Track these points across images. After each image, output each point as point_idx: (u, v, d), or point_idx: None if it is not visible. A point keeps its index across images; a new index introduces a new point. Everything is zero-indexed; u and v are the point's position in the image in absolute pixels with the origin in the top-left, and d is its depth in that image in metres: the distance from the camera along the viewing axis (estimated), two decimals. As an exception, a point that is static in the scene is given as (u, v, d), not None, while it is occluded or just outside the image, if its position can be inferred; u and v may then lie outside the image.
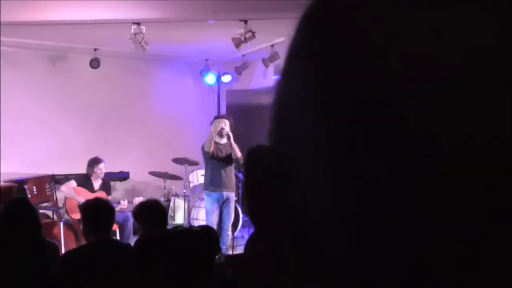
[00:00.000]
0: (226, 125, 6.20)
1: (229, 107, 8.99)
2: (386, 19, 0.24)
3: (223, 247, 5.90)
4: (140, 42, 6.06)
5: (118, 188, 7.76)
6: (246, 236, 6.92)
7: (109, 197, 6.48)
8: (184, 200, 7.36)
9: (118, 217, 5.64)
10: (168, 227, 4.58)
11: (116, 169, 7.63)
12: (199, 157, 6.76)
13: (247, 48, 6.76)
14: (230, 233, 6.47)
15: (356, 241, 0.25)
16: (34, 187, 6.58)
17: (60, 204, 6.81)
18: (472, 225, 0.22)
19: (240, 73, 8.31)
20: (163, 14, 5.74)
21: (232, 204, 6.44)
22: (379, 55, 0.24)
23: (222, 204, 6.32)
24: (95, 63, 7.78)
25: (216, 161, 6.22)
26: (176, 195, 7.63)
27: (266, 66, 7.51)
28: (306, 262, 0.28)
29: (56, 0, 5.58)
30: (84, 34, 6.78)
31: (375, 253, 0.24)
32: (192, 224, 6.96)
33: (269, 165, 0.30)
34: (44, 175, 7.09)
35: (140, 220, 3.93)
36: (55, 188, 6.99)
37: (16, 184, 6.28)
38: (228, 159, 6.25)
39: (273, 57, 7.24)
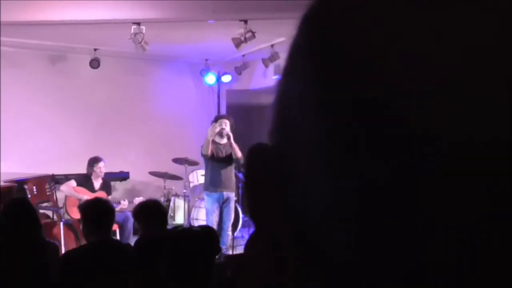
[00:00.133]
0: (226, 125, 6.20)
1: (229, 107, 8.99)
2: (386, 19, 0.24)
3: (223, 247, 5.90)
4: (140, 42, 6.06)
5: (118, 188, 7.76)
6: (246, 236, 6.92)
7: (109, 197, 6.48)
8: (184, 200, 7.36)
9: (118, 217, 5.64)
10: (168, 227, 4.58)
11: (116, 169, 7.64)
12: (199, 157, 6.77)
13: (247, 48, 6.76)
14: (230, 233, 6.47)
15: (356, 241, 0.25)
16: (34, 187, 6.58)
17: (60, 204, 6.81)
18: (472, 225, 0.22)
19: (240, 73, 8.31)
20: (163, 14, 5.74)
21: (232, 204, 6.44)
22: (379, 55, 0.24)
23: (222, 204, 6.32)
24: (95, 63, 7.78)
25: (216, 161, 6.22)
26: (176, 195, 7.63)
27: (266, 66, 7.51)
28: (306, 262, 0.28)
29: (56, 0, 5.58)
30: (84, 34, 6.78)
31: (375, 253, 0.24)
32: (192, 224, 6.96)
33: (270, 164, 0.30)
34: (44, 175, 7.09)
35: (140, 220, 3.93)
36: (55, 188, 6.99)
37: (16, 184, 6.28)
38: (228, 159, 6.24)
39: (273, 57, 7.24)
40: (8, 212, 3.30)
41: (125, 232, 6.41)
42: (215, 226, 5.95)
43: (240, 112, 8.09)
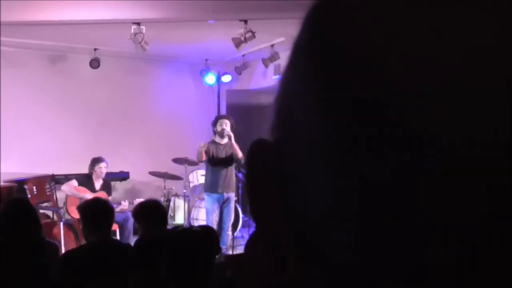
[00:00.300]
0: (227, 125, 6.20)
1: (229, 107, 8.99)
2: (386, 19, 0.24)
3: (223, 247, 5.90)
4: (140, 42, 6.06)
5: (118, 188, 7.77)
6: (246, 236, 6.93)
7: (110, 198, 6.48)
8: (184, 200, 7.36)
9: (118, 217, 5.65)
10: (168, 227, 4.58)
11: (116, 169, 7.64)
12: (199, 157, 6.77)
13: (247, 48, 6.76)
14: (230, 233, 6.47)
15: (356, 241, 0.25)
16: (34, 187, 6.58)
17: (60, 204, 6.81)
18: (472, 225, 0.22)
19: (240, 73, 8.31)
20: (163, 14, 5.74)
21: (233, 204, 6.44)
22: (379, 55, 0.24)
23: (223, 204, 6.32)
24: (95, 63, 7.78)
25: (217, 162, 6.22)
26: (176, 195, 7.63)
27: (266, 66, 7.51)
28: (306, 262, 0.28)
29: (56, 0, 5.58)
30: (84, 34, 6.78)
31: (375, 253, 0.24)
32: (192, 224, 6.96)
33: (270, 164, 0.30)
34: (44, 175, 7.09)
35: (140, 220, 3.93)
36: (55, 188, 7.00)
37: (16, 184, 6.28)
38: (229, 160, 6.24)
39: (273, 57, 7.24)
40: (8, 212, 3.30)
41: (125, 232, 6.41)
42: (215, 226, 5.95)
43: (240, 112, 8.09)
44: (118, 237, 6.29)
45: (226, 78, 8.70)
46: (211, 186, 6.28)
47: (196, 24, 6.25)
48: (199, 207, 7.23)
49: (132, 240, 5.28)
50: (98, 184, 6.75)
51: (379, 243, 0.24)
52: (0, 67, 7.30)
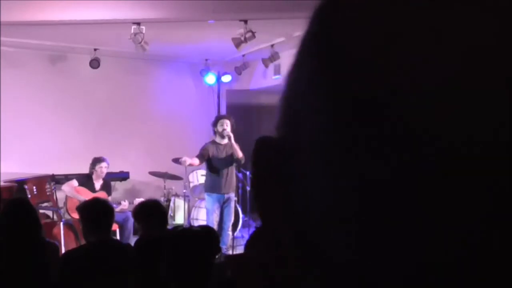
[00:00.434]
0: (227, 125, 6.19)
1: (229, 107, 8.99)
2: (386, 19, 0.24)
3: (223, 247, 5.90)
4: (140, 42, 6.07)
5: (118, 188, 7.77)
6: (246, 236, 6.92)
7: (110, 198, 6.48)
8: (184, 200, 7.36)
9: (118, 217, 5.65)
10: (168, 227, 4.58)
11: (116, 169, 7.64)
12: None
13: (247, 48, 6.76)
14: (230, 233, 6.47)
15: (356, 241, 0.25)
16: (34, 187, 6.58)
17: (60, 204, 6.81)
18: (472, 225, 0.22)
19: (240, 73, 8.31)
20: (163, 14, 5.74)
21: (233, 204, 6.44)
22: (379, 55, 0.24)
23: (223, 204, 6.32)
24: (95, 63, 7.78)
25: (217, 161, 6.21)
26: (176, 195, 7.63)
27: (266, 66, 7.51)
28: (306, 262, 0.28)
29: (56, 0, 5.58)
30: (84, 34, 6.78)
31: (375, 253, 0.24)
32: (192, 224, 6.96)
33: (273, 162, 0.30)
34: (44, 175, 7.09)
35: (140, 220, 3.92)
36: (55, 188, 7.00)
37: (16, 184, 6.29)
38: (229, 160, 6.24)
39: (273, 57, 7.24)
40: (8, 212, 3.30)
41: (125, 232, 6.41)
42: (215, 226, 5.95)
43: (240, 112, 8.09)
44: (118, 237, 6.29)
45: (226, 78, 8.70)
46: (212, 186, 6.28)
47: (196, 24, 6.25)
48: (199, 207, 7.23)
49: (132, 240, 5.28)
50: (98, 184, 6.75)
51: (379, 243, 0.24)
52: (0, 67, 7.30)
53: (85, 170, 6.82)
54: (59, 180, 7.14)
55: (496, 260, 0.21)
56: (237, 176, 6.68)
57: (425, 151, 0.22)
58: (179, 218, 7.49)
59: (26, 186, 6.43)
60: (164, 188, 7.70)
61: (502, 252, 0.21)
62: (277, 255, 0.30)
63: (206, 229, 3.01)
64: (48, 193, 6.85)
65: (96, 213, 3.36)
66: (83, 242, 3.82)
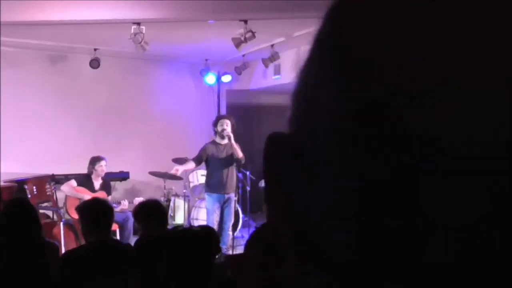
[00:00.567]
0: (227, 125, 6.19)
1: (229, 107, 8.99)
2: (386, 19, 0.24)
3: (223, 247, 5.90)
4: (140, 42, 6.06)
5: (118, 188, 7.76)
6: (246, 236, 6.92)
7: (109, 197, 6.48)
8: (184, 200, 7.36)
9: (118, 217, 5.65)
10: (168, 227, 4.57)
11: (116, 169, 7.64)
12: (199, 157, 6.77)
13: (247, 48, 6.76)
14: (230, 233, 6.46)
15: (356, 241, 0.25)
16: (34, 187, 6.58)
17: (60, 204, 6.81)
18: (472, 225, 0.22)
19: (240, 73, 8.31)
20: (163, 14, 5.74)
21: (233, 204, 6.44)
22: (379, 55, 0.24)
23: (223, 204, 6.32)
24: (95, 63, 7.78)
25: (217, 162, 6.21)
26: (176, 195, 7.63)
27: (266, 66, 7.51)
28: (306, 262, 0.28)
29: (56, 0, 5.58)
30: (84, 34, 6.78)
31: (375, 253, 0.24)
32: (192, 224, 6.96)
33: (279, 161, 0.30)
34: (44, 175, 7.09)
35: (140, 220, 3.92)
36: (55, 188, 6.99)
37: (16, 184, 6.29)
38: (229, 160, 6.24)
39: (273, 57, 7.24)
40: (8, 212, 3.30)
41: (125, 232, 6.41)
42: (215, 226, 5.95)
43: (240, 112, 8.09)
44: (118, 237, 6.29)
45: (226, 78, 8.70)
46: (212, 186, 6.28)
47: (196, 24, 6.25)
48: (199, 207, 7.23)
49: (132, 240, 5.28)
50: (97, 183, 6.75)
51: (379, 243, 0.24)
52: (0, 67, 7.30)
53: (85, 170, 6.82)
54: (59, 180, 7.14)
55: (496, 260, 0.21)
56: (237, 176, 6.68)
57: (425, 151, 0.22)
58: (179, 218, 7.48)
59: (26, 186, 6.43)
60: (164, 188, 7.70)
61: (502, 252, 0.21)
62: (276, 256, 0.30)
63: (206, 229, 3.01)
64: (48, 193, 6.85)
65: (96, 213, 3.36)
66: (83, 242, 3.82)
